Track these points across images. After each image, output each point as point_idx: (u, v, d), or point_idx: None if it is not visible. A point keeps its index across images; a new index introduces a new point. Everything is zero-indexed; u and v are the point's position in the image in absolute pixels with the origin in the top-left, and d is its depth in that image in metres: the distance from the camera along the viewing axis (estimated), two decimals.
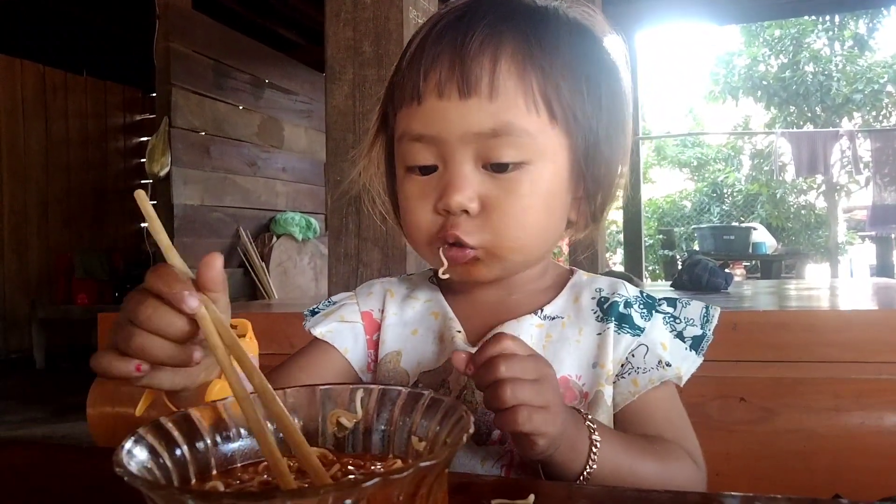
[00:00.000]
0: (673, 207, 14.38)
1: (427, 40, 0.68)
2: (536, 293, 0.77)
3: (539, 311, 0.75)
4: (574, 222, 0.76)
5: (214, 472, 0.42)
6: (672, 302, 0.77)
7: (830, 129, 10.26)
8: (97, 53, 6.36)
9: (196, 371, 0.53)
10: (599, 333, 0.74)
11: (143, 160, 4.72)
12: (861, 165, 8.88)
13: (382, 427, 0.44)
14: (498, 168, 0.67)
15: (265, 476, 0.42)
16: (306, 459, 0.39)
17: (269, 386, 0.41)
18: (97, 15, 5.50)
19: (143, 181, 6.60)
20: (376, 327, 0.80)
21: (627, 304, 0.75)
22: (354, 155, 0.83)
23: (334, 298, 0.87)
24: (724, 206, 13.95)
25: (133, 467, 0.35)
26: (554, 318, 0.75)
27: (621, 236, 7.07)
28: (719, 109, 14.53)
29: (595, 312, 0.75)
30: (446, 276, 0.71)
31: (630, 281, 0.87)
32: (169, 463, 0.39)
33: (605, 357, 0.72)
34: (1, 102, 6.03)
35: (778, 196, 13.07)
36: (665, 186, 15.22)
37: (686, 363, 0.73)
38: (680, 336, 0.74)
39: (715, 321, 0.76)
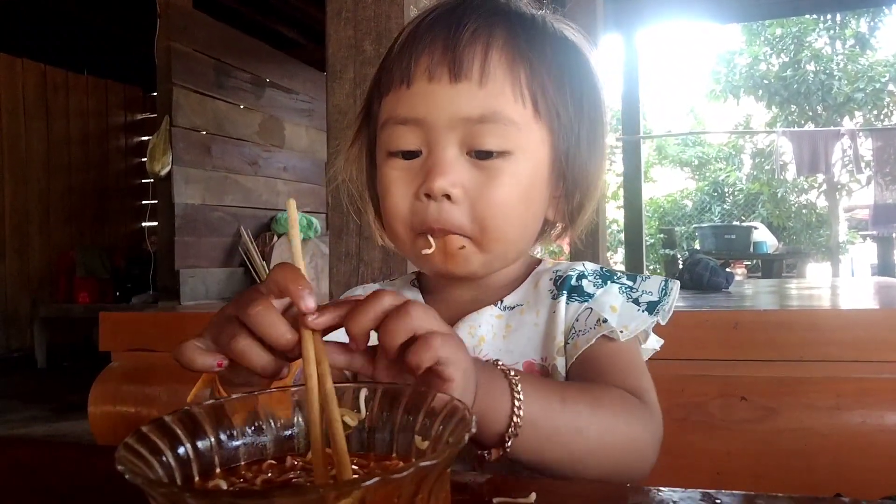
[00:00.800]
0: (674, 206, 14.38)
1: (419, 29, 0.70)
2: (499, 286, 0.78)
3: (499, 302, 0.76)
4: (551, 221, 0.78)
5: (218, 470, 0.42)
6: (632, 276, 0.79)
7: (832, 128, 10.26)
8: (98, 52, 6.36)
9: None
10: (554, 311, 0.74)
11: (144, 159, 4.72)
12: (862, 164, 8.86)
13: (386, 426, 0.44)
14: (481, 155, 0.68)
15: (268, 474, 0.42)
16: (340, 456, 0.39)
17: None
18: (98, 14, 5.50)
19: (144, 180, 6.62)
20: None
21: (581, 277, 0.77)
22: (337, 146, 0.84)
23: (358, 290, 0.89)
24: (725, 206, 13.95)
25: (135, 465, 0.35)
26: (514, 308, 0.76)
27: (622, 235, 7.07)
28: (720, 108, 14.53)
29: (551, 292, 0.76)
30: (428, 252, 0.69)
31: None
32: (171, 461, 0.39)
33: (556, 329, 0.73)
34: (2, 101, 6.03)
35: (779, 195, 13.07)
36: (666, 185, 15.23)
37: (636, 321, 0.72)
38: (636, 301, 0.75)
39: (675, 294, 0.76)
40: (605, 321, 0.70)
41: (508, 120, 0.67)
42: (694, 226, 12.15)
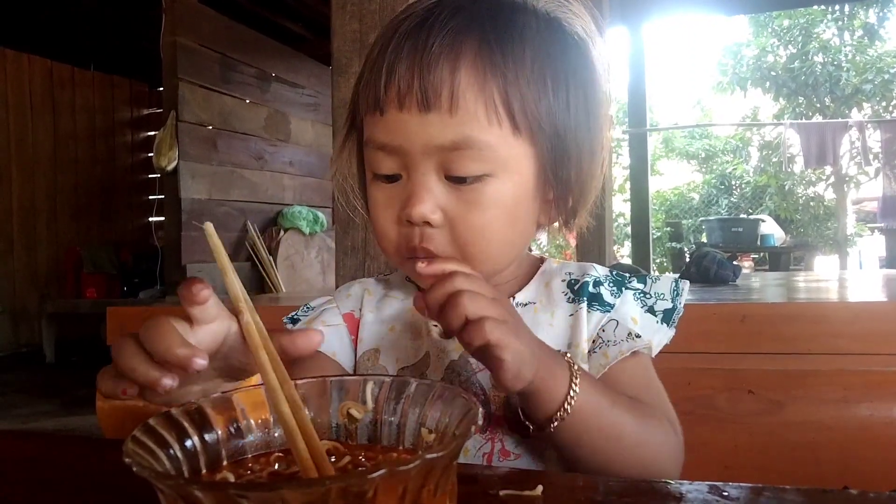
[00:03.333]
0: (681, 199, 14.33)
1: (388, 47, 0.66)
2: (507, 284, 0.78)
3: (511, 298, 0.76)
4: (544, 225, 0.76)
5: (225, 463, 0.42)
6: (642, 278, 0.78)
7: (840, 119, 10.19)
8: (104, 48, 6.37)
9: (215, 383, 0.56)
10: (572, 314, 0.74)
11: (150, 154, 4.73)
12: (871, 156, 8.81)
13: (393, 419, 0.44)
14: (459, 181, 0.66)
15: (276, 467, 0.42)
16: (316, 452, 0.39)
17: (292, 384, 0.42)
18: (104, 9, 5.51)
19: (150, 175, 6.64)
20: (357, 326, 0.81)
21: (597, 283, 0.76)
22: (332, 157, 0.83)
23: (312, 304, 0.87)
24: (732, 198, 13.89)
25: (142, 458, 0.35)
26: (526, 305, 0.76)
27: (629, 229, 7.06)
28: (727, 100, 14.46)
29: (566, 294, 0.76)
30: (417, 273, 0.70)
31: (637, 274, 0.87)
32: (179, 454, 0.39)
33: (580, 336, 0.73)
34: (9, 97, 6.06)
35: (786, 188, 13.01)
36: (673, 178, 15.17)
37: (658, 336, 0.74)
38: (651, 310, 0.75)
39: (685, 294, 0.77)
40: (638, 336, 0.71)
41: (483, 144, 0.65)
42: (701, 219, 12.11)
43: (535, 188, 0.70)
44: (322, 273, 5.72)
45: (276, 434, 0.44)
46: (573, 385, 0.60)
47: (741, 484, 0.46)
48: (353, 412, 0.45)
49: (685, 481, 0.47)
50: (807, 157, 7.95)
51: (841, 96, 12.25)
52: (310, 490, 0.30)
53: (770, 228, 10.05)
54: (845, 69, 12.20)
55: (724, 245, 8.26)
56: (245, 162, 5.21)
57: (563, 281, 0.77)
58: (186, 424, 0.40)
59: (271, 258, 5.21)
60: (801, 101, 12.80)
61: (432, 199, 0.66)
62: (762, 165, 13.88)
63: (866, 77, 11.93)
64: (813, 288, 2.59)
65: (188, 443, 0.40)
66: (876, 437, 1.44)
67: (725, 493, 0.45)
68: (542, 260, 0.82)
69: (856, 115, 12.03)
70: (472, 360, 0.72)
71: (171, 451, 0.38)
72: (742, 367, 1.53)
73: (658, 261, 12.23)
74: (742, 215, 12.11)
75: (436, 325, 0.75)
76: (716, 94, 14.36)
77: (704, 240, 9.94)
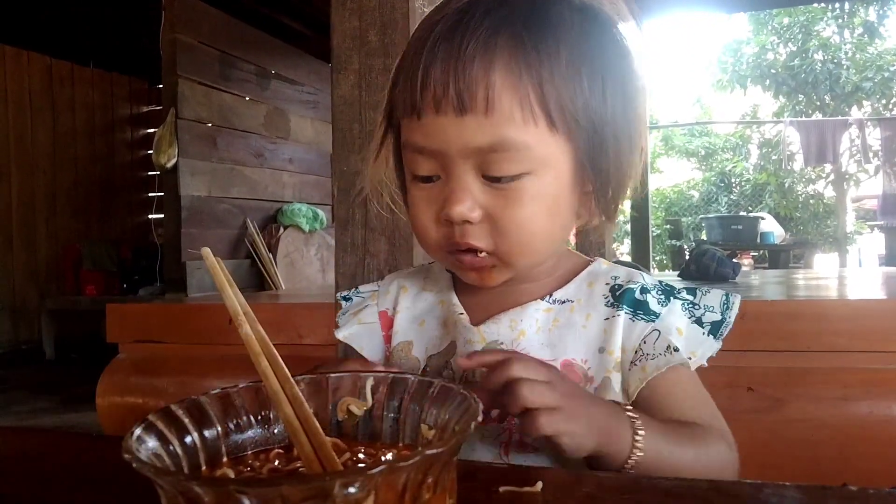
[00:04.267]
0: (680, 197, 14.32)
1: (423, 50, 0.66)
2: (547, 281, 0.78)
3: (549, 295, 0.77)
4: (584, 217, 0.75)
5: (225, 459, 0.42)
6: (692, 290, 0.78)
7: (839, 117, 10.19)
8: (103, 45, 6.36)
9: None
10: (607, 318, 0.74)
11: (150, 152, 4.72)
12: (870, 154, 8.83)
13: (392, 415, 0.44)
14: (497, 179, 0.67)
15: (275, 463, 0.42)
16: (322, 447, 0.39)
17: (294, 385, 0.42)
18: (103, 6, 5.50)
19: (150, 173, 6.63)
20: (390, 324, 0.84)
21: (644, 291, 0.75)
22: (364, 154, 0.84)
23: (363, 290, 0.90)
24: (731, 196, 13.89)
25: (142, 454, 0.35)
26: (564, 302, 0.76)
27: (628, 226, 7.05)
28: (727, 98, 14.43)
29: (606, 297, 0.76)
30: (460, 269, 0.74)
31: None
32: (179, 450, 0.39)
33: (613, 343, 0.72)
34: (9, 94, 6.04)
35: (786, 185, 13.00)
36: (672, 176, 15.17)
37: (703, 347, 0.73)
38: (699, 322, 0.75)
39: (736, 308, 0.76)
40: (676, 350, 0.71)
41: (520, 144, 0.65)
42: (700, 216, 12.10)
43: (574, 182, 0.70)
44: (322, 270, 5.71)
45: (276, 430, 0.44)
46: (636, 443, 0.61)
47: (741, 481, 0.46)
48: (353, 408, 0.45)
49: (683, 479, 0.47)
50: (806, 154, 7.95)
51: (841, 94, 12.25)
52: (309, 486, 0.31)
53: (770, 226, 10.04)
54: (845, 67, 12.20)
55: (724, 243, 8.26)
56: (245, 159, 5.20)
57: (607, 284, 0.77)
58: (186, 421, 0.40)
59: (271, 255, 5.21)
60: (800, 99, 12.80)
61: (471, 199, 0.67)
62: (762, 163, 13.87)
63: (866, 75, 11.92)
64: (812, 286, 2.59)
65: (188, 439, 0.40)
66: (875, 435, 1.44)
67: (724, 490, 0.45)
68: (590, 261, 0.82)
69: (856, 113, 12.03)
70: (498, 350, 0.74)
71: (171, 448, 0.38)
72: (742, 364, 1.53)
73: (658, 258, 12.23)
74: (742, 213, 12.10)
75: (462, 314, 0.78)
76: (716, 92, 14.35)
77: (704, 237, 9.94)
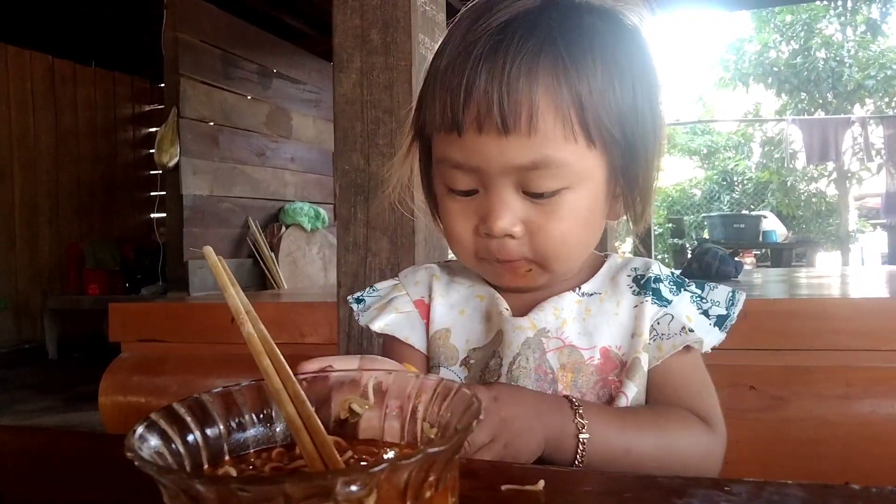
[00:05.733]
0: (683, 196, 14.31)
1: (465, 66, 0.67)
2: (574, 275, 0.81)
3: (577, 288, 0.79)
4: (611, 217, 0.78)
5: (227, 457, 0.42)
6: (700, 285, 0.81)
7: (842, 115, 10.17)
8: (105, 44, 6.36)
9: None
10: (636, 306, 0.77)
11: (152, 151, 4.73)
12: (873, 152, 8.81)
13: (394, 413, 0.44)
14: (537, 195, 0.68)
15: (278, 462, 0.42)
16: (324, 446, 0.39)
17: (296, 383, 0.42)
18: (105, 6, 5.50)
19: (152, 172, 6.63)
20: (428, 310, 0.85)
21: (657, 280, 0.79)
22: (389, 166, 0.85)
23: (379, 287, 0.90)
24: (734, 195, 13.87)
25: (144, 452, 0.35)
26: (592, 295, 0.79)
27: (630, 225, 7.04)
28: (729, 96, 14.42)
29: (631, 287, 0.79)
30: (495, 274, 0.76)
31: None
32: (181, 448, 0.39)
33: (643, 327, 0.75)
34: (11, 94, 6.05)
35: (788, 184, 12.98)
36: (675, 174, 15.14)
37: (709, 336, 0.76)
38: (705, 314, 0.78)
39: (740, 305, 0.79)
40: (691, 331, 0.74)
41: (561, 162, 0.67)
42: (703, 215, 12.09)
43: (607, 192, 0.73)
44: (324, 269, 5.72)
45: (278, 429, 0.45)
46: (580, 432, 0.65)
47: (743, 479, 0.46)
48: (355, 407, 0.45)
49: (686, 477, 0.47)
50: (809, 153, 7.94)
51: (843, 92, 12.21)
52: (311, 484, 0.31)
53: (772, 225, 10.03)
54: (848, 65, 12.16)
55: (726, 241, 8.26)
56: (246, 158, 5.20)
57: (629, 276, 0.80)
58: (188, 419, 0.40)
59: (273, 254, 5.21)
60: (803, 97, 12.76)
61: (511, 214, 0.69)
62: (764, 161, 13.84)
63: (869, 73, 11.89)
64: (815, 284, 2.59)
65: (190, 437, 0.40)
66: (878, 433, 1.44)
67: (727, 489, 0.45)
68: (605, 256, 0.85)
69: (858, 111, 12.00)
70: (545, 340, 0.76)
71: (173, 446, 0.38)
72: (744, 362, 1.53)
73: (660, 257, 12.21)
74: (744, 211, 12.08)
75: (507, 309, 0.79)
76: (718, 90, 14.32)
77: (706, 236, 9.93)
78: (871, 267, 9.44)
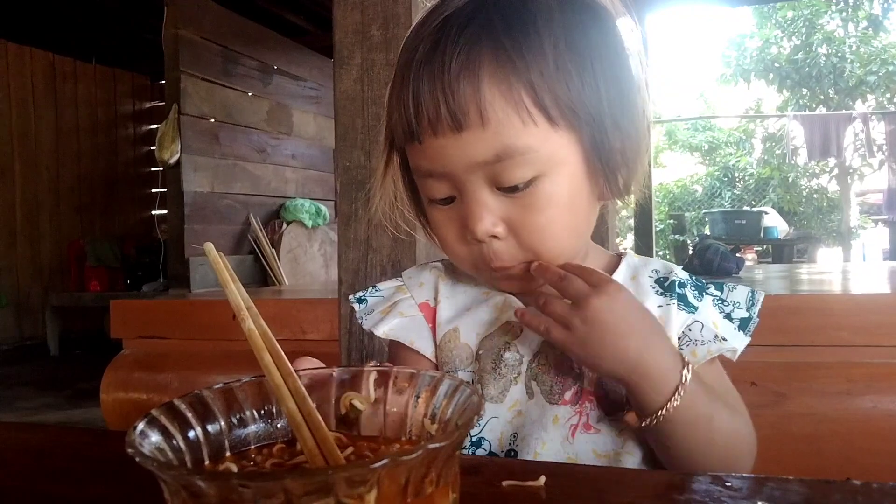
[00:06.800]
0: (684, 192, 14.30)
1: (409, 73, 0.66)
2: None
3: None
4: (604, 199, 0.76)
5: (228, 454, 0.42)
6: (719, 286, 0.79)
7: (843, 111, 10.15)
8: (106, 41, 6.36)
9: None
10: (661, 306, 0.75)
11: (152, 148, 4.73)
12: (875, 148, 8.79)
13: (395, 409, 0.44)
14: (512, 189, 0.66)
15: (279, 458, 0.42)
16: (325, 441, 0.39)
17: (297, 379, 0.42)
18: (105, 2, 5.50)
19: (153, 169, 6.64)
20: (434, 314, 0.82)
21: (682, 285, 0.77)
22: (371, 186, 0.83)
23: (381, 287, 0.87)
24: (735, 191, 13.86)
25: (145, 448, 0.36)
26: None
27: (631, 221, 7.04)
28: (731, 92, 14.39)
29: (654, 288, 0.77)
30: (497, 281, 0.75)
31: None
32: (182, 444, 0.39)
33: (670, 330, 0.73)
34: (12, 91, 6.06)
35: (790, 180, 12.97)
36: (676, 171, 15.13)
37: (735, 341, 0.74)
38: (728, 317, 0.76)
39: (759, 305, 0.78)
40: (724, 339, 0.73)
41: (524, 148, 0.64)
42: (704, 211, 12.09)
43: (587, 173, 0.70)
44: (325, 266, 5.72)
45: (279, 425, 0.45)
46: (679, 388, 0.63)
47: (744, 475, 0.46)
48: (356, 403, 0.45)
49: (687, 472, 0.47)
50: (810, 148, 7.93)
51: (845, 88, 12.19)
52: (312, 480, 0.31)
53: (773, 221, 10.03)
54: (849, 61, 12.14)
55: (728, 237, 8.26)
56: (247, 155, 5.20)
57: (651, 277, 0.79)
58: (189, 415, 0.41)
59: (274, 251, 5.22)
60: (804, 93, 12.75)
61: (490, 214, 0.67)
62: (766, 157, 13.83)
63: (870, 68, 11.86)
64: (816, 280, 2.58)
65: (191, 434, 0.40)
66: (879, 429, 1.44)
67: (728, 484, 0.45)
68: (620, 255, 0.83)
69: (860, 107, 11.97)
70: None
71: (174, 442, 0.38)
72: (744, 358, 1.52)
73: (661, 253, 12.20)
74: (745, 207, 12.08)
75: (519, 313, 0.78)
76: (719, 86, 14.31)
77: (708, 232, 9.92)
78: (872, 263, 9.43)
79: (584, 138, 0.68)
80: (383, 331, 0.80)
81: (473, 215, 0.67)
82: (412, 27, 0.71)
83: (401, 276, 0.88)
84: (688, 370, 0.64)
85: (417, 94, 0.65)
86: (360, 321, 0.84)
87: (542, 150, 0.65)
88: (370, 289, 0.87)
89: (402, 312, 0.81)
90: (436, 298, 0.82)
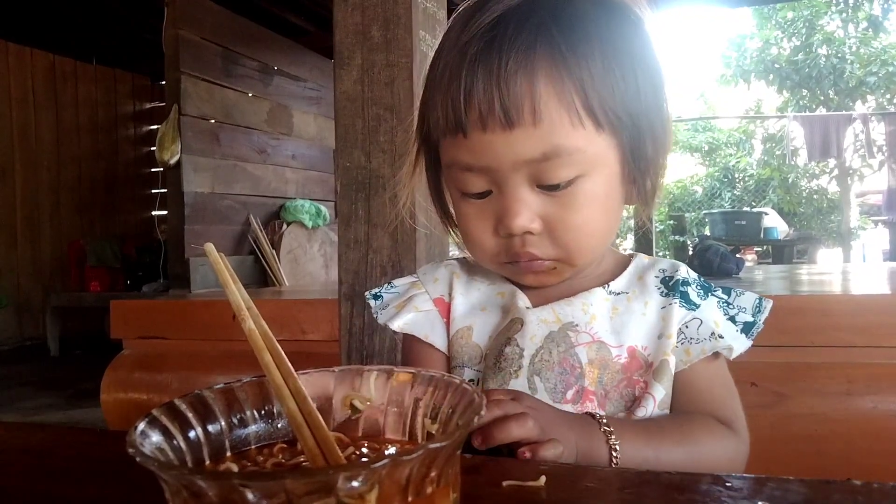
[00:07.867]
0: (684, 192, 14.30)
1: (461, 68, 0.67)
2: (598, 273, 0.80)
3: (606, 285, 0.78)
4: (630, 198, 0.77)
5: (228, 453, 0.42)
6: (727, 290, 0.80)
7: (843, 112, 10.15)
8: (106, 41, 6.36)
9: None
10: (664, 307, 0.76)
11: (153, 148, 4.73)
12: (874, 149, 8.79)
13: (395, 409, 0.44)
14: (552, 187, 0.67)
15: (279, 457, 0.42)
16: (325, 441, 0.39)
17: (298, 379, 0.42)
18: (106, 3, 5.50)
19: (153, 169, 6.64)
20: (448, 309, 0.83)
21: (685, 283, 0.78)
22: (398, 178, 0.84)
23: (397, 284, 0.88)
24: (735, 191, 13.86)
25: (146, 448, 0.36)
26: (619, 294, 0.78)
27: (631, 222, 7.04)
28: (731, 93, 14.39)
29: (659, 289, 0.78)
30: (519, 274, 0.75)
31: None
32: (182, 444, 0.39)
33: (671, 328, 0.75)
34: (12, 91, 6.06)
35: (790, 181, 12.96)
36: (676, 171, 15.12)
37: (736, 343, 0.75)
38: (732, 320, 0.77)
39: (766, 312, 0.78)
40: (721, 337, 0.73)
41: (572, 149, 0.66)
42: (704, 212, 12.09)
43: (622, 176, 0.72)
44: (325, 266, 5.72)
45: (279, 425, 0.45)
46: (613, 454, 0.64)
47: (744, 475, 0.46)
48: (356, 403, 0.45)
49: (688, 472, 0.47)
50: (810, 149, 7.93)
51: (845, 89, 12.19)
52: (313, 480, 0.31)
53: (773, 221, 10.02)
54: (849, 61, 12.14)
55: (728, 238, 8.26)
56: (248, 155, 5.20)
57: (657, 277, 0.80)
58: (190, 415, 0.41)
59: (274, 252, 5.22)
60: (804, 94, 12.74)
61: (528, 210, 0.68)
62: (766, 158, 13.83)
63: (870, 69, 11.86)
64: (816, 281, 2.58)
65: (191, 434, 0.40)
66: (879, 429, 1.44)
67: (729, 484, 0.45)
68: (631, 256, 0.84)
69: (860, 108, 11.97)
70: (572, 333, 0.75)
71: (175, 442, 0.38)
72: (745, 359, 1.52)
73: (661, 254, 12.19)
74: (745, 208, 12.08)
75: (529, 307, 0.78)
76: (719, 87, 14.31)
77: (708, 233, 9.92)
78: (872, 264, 9.43)
79: (624, 142, 0.69)
80: (398, 325, 0.81)
81: (511, 211, 0.68)
82: (452, 26, 0.72)
83: (416, 274, 0.89)
84: (612, 436, 0.65)
85: (470, 88, 0.66)
86: (375, 316, 0.85)
87: (587, 152, 0.67)
88: (386, 285, 0.89)
89: (416, 307, 0.83)
90: (450, 294, 0.83)
